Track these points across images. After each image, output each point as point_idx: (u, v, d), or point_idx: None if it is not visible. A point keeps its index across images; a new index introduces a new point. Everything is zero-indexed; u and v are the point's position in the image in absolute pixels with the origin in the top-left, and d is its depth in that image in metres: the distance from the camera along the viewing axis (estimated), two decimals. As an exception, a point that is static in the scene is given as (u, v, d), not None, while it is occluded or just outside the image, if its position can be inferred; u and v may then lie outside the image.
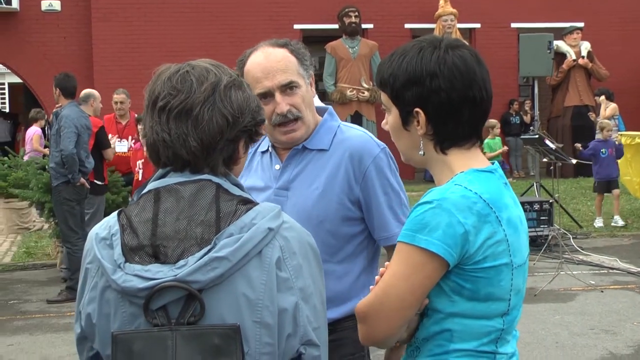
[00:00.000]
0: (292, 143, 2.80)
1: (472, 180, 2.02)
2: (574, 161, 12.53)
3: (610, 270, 9.59)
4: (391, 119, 2.15)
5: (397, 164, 2.87)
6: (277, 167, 2.85)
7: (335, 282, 2.75)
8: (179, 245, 1.87)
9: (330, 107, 2.94)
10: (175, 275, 1.83)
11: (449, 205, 1.96)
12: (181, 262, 1.84)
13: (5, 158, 12.25)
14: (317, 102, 4.25)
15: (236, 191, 1.96)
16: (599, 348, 6.67)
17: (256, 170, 2.91)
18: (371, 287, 2.07)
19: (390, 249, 2.84)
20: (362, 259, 2.84)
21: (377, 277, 2.07)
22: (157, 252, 1.87)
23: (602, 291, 8.56)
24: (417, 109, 2.06)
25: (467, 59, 2.06)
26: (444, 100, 2.04)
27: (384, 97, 2.15)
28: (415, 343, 2.11)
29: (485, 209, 1.99)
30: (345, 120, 16.29)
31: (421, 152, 2.11)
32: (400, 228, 2.78)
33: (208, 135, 1.93)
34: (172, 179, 1.95)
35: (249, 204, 1.94)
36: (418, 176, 17.77)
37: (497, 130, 14.63)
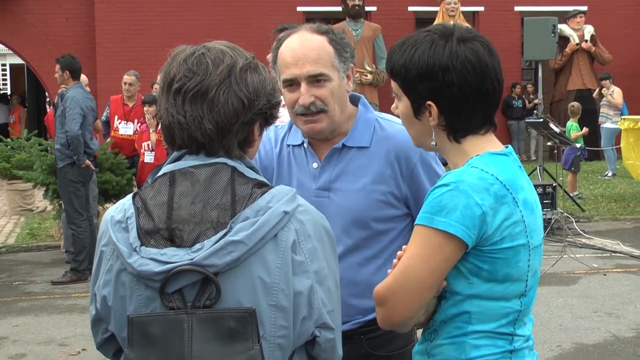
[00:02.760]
0: (314, 134, 2.70)
1: (488, 163, 2.04)
2: (578, 145, 12.54)
3: (613, 254, 9.61)
4: (402, 107, 2.15)
5: None
6: (315, 165, 2.74)
7: (382, 278, 2.70)
8: (194, 228, 1.87)
9: (362, 96, 2.84)
10: (192, 259, 1.83)
11: (466, 187, 1.97)
12: (197, 246, 1.85)
13: (9, 139, 12.25)
14: None
15: (251, 174, 1.96)
16: (602, 331, 6.70)
17: (288, 169, 2.79)
18: (389, 270, 2.08)
19: None
20: None
21: (395, 261, 2.08)
22: (173, 236, 1.87)
23: (605, 274, 8.59)
24: (429, 102, 2.07)
25: (479, 52, 2.06)
26: (457, 94, 2.05)
27: (394, 86, 2.15)
28: (433, 326, 2.12)
29: (502, 190, 2.00)
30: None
31: (433, 143, 2.13)
32: None
33: (223, 118, 1.93)
34: (188, 162, 1.95)
35: (264, 187, 1.94)
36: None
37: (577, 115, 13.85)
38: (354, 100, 2.80)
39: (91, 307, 2.03)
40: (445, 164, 2.45)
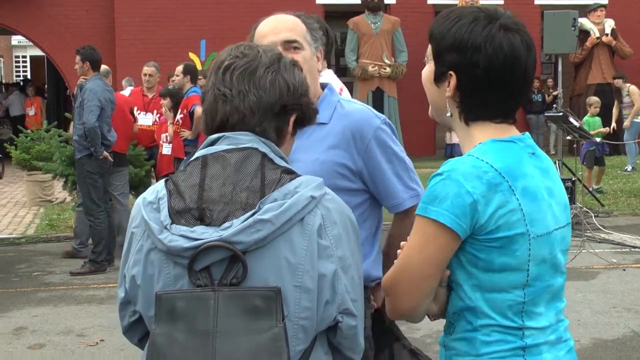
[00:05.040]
0: None
1: (487, 151, 2.03)
2: (598, 139, 12.47)
3: (633, 249, 9.56)
4: (427, 69, 2.17)
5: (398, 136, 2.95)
6: None
7: None
8: (224, 208, 1.92)
9: (330, 83, 2.97)
10: (221, 236, 1.88)
11: (457, 175, 1.98)
12: (226, 224, 1.90)
13: (28, 131, 12.31)
14: (334, 77, 4.24)
15: (280, 162, 2.03)
16: (621, 326, 6.66)
17: None
18: (395, 260, 2.10)
19: (401, 215, 2.94)
20: (363, 230, 2.85)
21: (398, 251, 2.09)
22: (203, 215, 1.92)
23: (624, 269, 8.54)
24: (451, 72, 2.08)
25: (515, 44, 2.05)
26: (479, 76, 2.05)
27: (428, 48, 2.17)
28: (449, 318, 2.12)
29: (496, 178, 1.98)
30: (367, 97, 16.17)
31: (449, 114, 2.13)
32: (408, 194, 2.90)
33: (267, 95, 2.02)
34: (220, 147, 2.01)
35: (292, 174, 1.99)
36: (439, 153, 17.74)
37: (596, 110, 13.75)
38: (322, 86, 2.95)
39: (120, 291, 2.07)
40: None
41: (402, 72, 16.80)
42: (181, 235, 1.90)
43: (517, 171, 2.02)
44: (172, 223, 1.92)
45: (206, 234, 1.89)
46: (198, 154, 2.03)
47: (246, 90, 2.00)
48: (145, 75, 11.05)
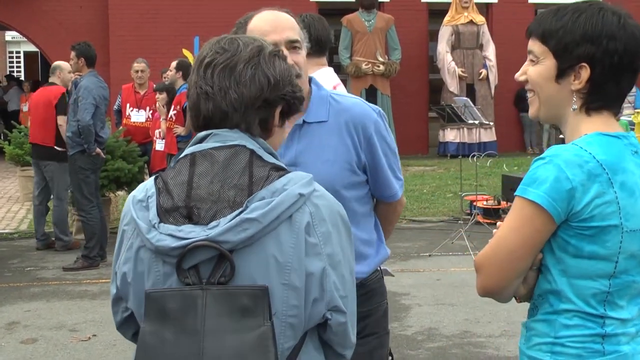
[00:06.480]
0: None
1: (591, 143, 2.08)
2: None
3: None
4: (542, 69, 2.17)
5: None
6: None
7: (357, 243, 2.82)
8: (211, 207, 1.93)
9: (313, 76, 2.96)
10: (207, 235, 1.89)
11: (559, 161, 2.03)
12: (213, 223, 1.91)
13: (22, 126, 12.31)
14: (334, 75, 4.24)
15: (270, 158, 2.02)
16: None
17: None
18: (490, 239, 2.15)
19: (392, 206, 3.05)
20: (371, 215, 3.00)
21: (494, 231, 2.15)
22: (191, 213, 1.94)
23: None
24: (584, 65, 2.11)
25: (638, 30, 2.13)
26: (615, 63, 2.10)
27: (537, 47, 2.18)
28: (533, 300, 2.18)
29: (597, 169, 2.04)
30: (360, 94, 16.09)
31: (575, 107, 2.15)
32: (398, 184, 2.98)
33: (248, 91, 2.00)
34: (208, 144, 2.01)
35: (281, 170, 1.99)
36: (432, 151, 17.77)
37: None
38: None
39: (112, 287, 2.09)
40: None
41: (395, 70, 16.83)
42: (169, 235, 1.91)
43: (618, 166, 2.07)
44: (160, 222, 1.93)
45: (193, 232, 1.90)
46: (187, 151, 2.04)
47: (227, 87, 2.00)
48: (137, 72, 11.04)
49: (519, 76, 2.24)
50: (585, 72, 2.11)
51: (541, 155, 2.09)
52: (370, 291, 2.99)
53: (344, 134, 2.83)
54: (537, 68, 2.18)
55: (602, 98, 2.14)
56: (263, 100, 2.02)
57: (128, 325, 2.12)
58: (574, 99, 2.15)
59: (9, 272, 8.88)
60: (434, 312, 7.01)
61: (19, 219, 12.10)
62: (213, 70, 2.02)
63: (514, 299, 2.21)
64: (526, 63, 2.23)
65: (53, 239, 9.77)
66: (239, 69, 2.01)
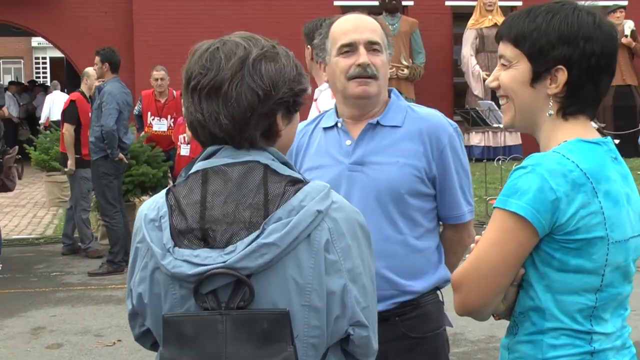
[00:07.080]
0: (365, 97, 2.77)
1: (573, 150, 1.99)
2: (616, 141, 12.40)
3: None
4: (515, 73, 2.07)
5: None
6: (349, 142, 2.82)
7: (416, 256, 2.79)
8: (227, 229, 1.86)
9: (394, 88, 2.93)
10: (224, 262, 1.82)
11: (542, 170, 1.93)
12: (230, 248, 1.84)
13: (47, 132, 12.38)
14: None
15: (285, 170, 1.94)
16: None
17: (319, 147, 2.87)
18: (467, 255, 2.06)
19: (458, 228, 2.90)
20: (436, 235, 2.89)
21: (472, 245, 2.05)
22: (206, 236, 1.87)
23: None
24: (560, 67, 2.02)
25: (614, 30, 2.05)
26: (593, 65, 2.02)
27: (509, 51, 2.08)
28: (513, 318, 2.08)
29: (581, 179, 1.94)
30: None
31: (551, 112, 2.05)
32: (468, 208, 2.86)
33: (238, 112, 1.91)
34: (220, 160, 1.94)
35: (297, 184, 1.92)
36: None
37: None
38: (387, 92, 2.89)
39: (128, 302, 2.04)
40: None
41: (419, 74, 16.78)
42: (184, 260, 1.84)
43: (601, 174, 1.98)
44: (174, 245, 1.86)
45: (210, 258, 1.83)
46: (197, 166, 1.96)
47: (217, 113, 1.91)
48: (157, 80, 10.96)
49: (490, 82, 2.14)
50: (562, 75, 2.02)
51: (522, 164, 1.98)
52: (426, 314, 2.83)
53: (417, 141, 2.77)
54: (510, 72, 2.08)
55: (579, 102, 2.05)
56: (258, 115, 1.92)
57: (146, 338, 2.08)
58: (550, 103, 2.05)
59: (35, 277, 8.93)
60: (459, 317, 6.94)
61: (44, 225, 12.16)
62: (200, 94, 1.93)
63: (492, 316, 2.12)
64: (497, 68, 2.13)
65: (79, 244, 9.81)
66: (224, 89, 1.91)
